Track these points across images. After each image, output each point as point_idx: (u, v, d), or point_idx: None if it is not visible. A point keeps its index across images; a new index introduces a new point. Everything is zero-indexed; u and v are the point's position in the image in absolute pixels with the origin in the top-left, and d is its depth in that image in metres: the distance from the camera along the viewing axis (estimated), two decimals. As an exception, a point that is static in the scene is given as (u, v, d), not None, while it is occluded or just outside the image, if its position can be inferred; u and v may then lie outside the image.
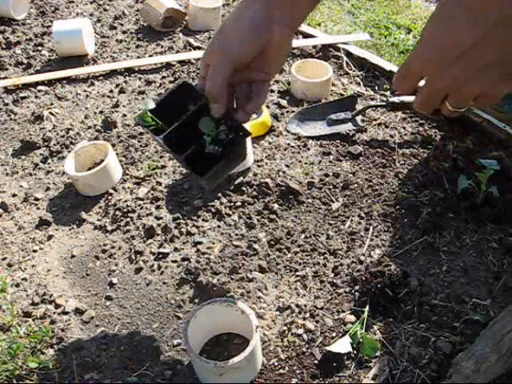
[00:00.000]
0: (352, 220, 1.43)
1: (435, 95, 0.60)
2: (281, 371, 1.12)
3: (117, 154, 1.66)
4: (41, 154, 1.74)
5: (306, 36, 2.17)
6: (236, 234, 1.41)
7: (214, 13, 2.28)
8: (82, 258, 1.40)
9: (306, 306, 1.23)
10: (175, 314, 1.25)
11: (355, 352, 1.13)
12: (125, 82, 2.04)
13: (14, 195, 1.60)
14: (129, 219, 1.47)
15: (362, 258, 1.33)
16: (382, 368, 1.10)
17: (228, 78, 0.79)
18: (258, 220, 1.44)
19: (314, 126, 1.75)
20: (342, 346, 1.12)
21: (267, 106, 1.84)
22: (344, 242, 1.37)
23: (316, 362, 1.13)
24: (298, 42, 2.09)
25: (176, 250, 1.39)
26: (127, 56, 2.19)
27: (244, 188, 1.52)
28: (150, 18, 2.29)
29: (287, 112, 1.83)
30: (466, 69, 0.55)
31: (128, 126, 1.81)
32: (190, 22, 2.31)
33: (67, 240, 1.45)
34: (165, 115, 0.92)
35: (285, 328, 1.19)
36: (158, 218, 1.47)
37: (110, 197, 1.55)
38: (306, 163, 1.62)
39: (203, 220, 1.46)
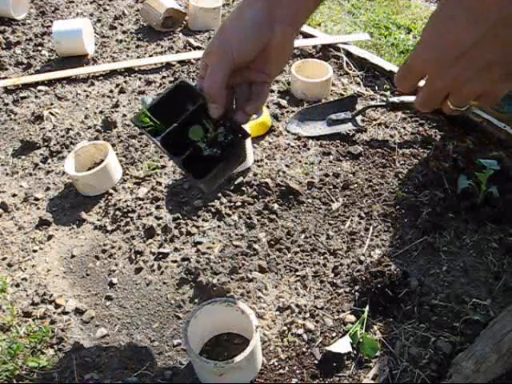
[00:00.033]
0: (352, 220, 1.43)
1: (436, 94, 0.60)
2: (281, 371, 1.12)
3: (117, 154, 1.66)
4: (41, 154, 1.74)
5: (306, 36, 2.17)
6: (236, 234, 1.41)
7: (214, 13, 2.28)
8: (81, 257, 1.40)
9: (305, 306, 1.23)
10: (175, 314, 1.25)
11: (355, 352, 1.13)
12: (125, 81, 2.04)
13: (14, 195, 1.60)
14: (129, 219, 1.48)
15: (362, 258, 1.33)
16: (381, 368, 1.10)
17: (227, 77, 0.78)
18: (257, 220, 1.44)
19: (314, 125, 1.75)
20: (342, 345, 1.12)
21: (267, 106, 1.84)
22: (344, 242, 1.37)
23: (316, 362, 1.13)
24: (297, 42, 2.09)
25: (176, 250, 1.39)
26: (127, 56, 2.19)
27: (244, 188, 1.52)
28: (150, 18, 2.29)
29: (287, 112, 1.83)
30: (466, 68, 0.55)
31: (128, 125, 1.81)
32: (190, 22, 2.31)
33: (67, 240, 1.45)
34: (162, 115, 0.89)
35: (285, 328, 1.19)
36: (157, 218, 1.47)
37: (109, 197, 1.55)
38: (306, 163, 1.62)
39: (203, 220, 1.46)
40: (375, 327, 1.17)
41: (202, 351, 1.16)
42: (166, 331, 1.21)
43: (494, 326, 1.08)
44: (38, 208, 1.56)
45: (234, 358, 1.00)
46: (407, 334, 1.14)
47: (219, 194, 1.51)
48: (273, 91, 1.93)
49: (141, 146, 1.72)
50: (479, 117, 1.62)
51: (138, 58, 2.17)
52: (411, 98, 1.67)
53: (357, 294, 1.24)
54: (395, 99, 1.69)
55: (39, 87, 2.02)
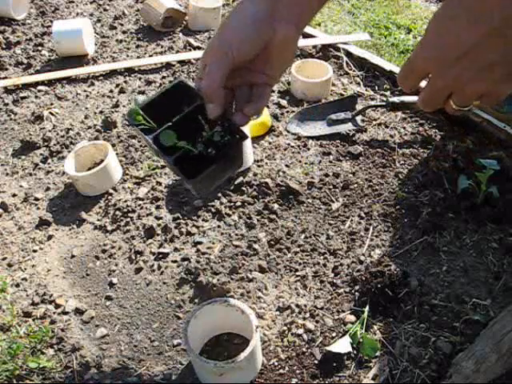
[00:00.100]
0: (352, 220, 1.43)
1: (438, 94, 0.60)
2: (281, 371, 1.12)
3: (117, 154, 1.66)
4: (41, 154, 1.74)
5: (306, 36, 2.17)
6: (236, 234, 1.41)
7: (214, 13, 2.28)
8: (81, 257, 1.40)
9: (305, 305, 1.23)
10: (175, 313, 1.25)
11: (355, 352, 1.13)
12: (125, 81, 2.04)
13: (14, 195, 1.60)
14: (129, 219, 1.48)
15: (362, 258, 1.33)
16: (381, 368, 1.10)
17: (226, 76, 0.74)
18: (258, 220, 1.44)
19: (314, 125, 1.75)
20: (342, 345, 1.12)
21: (267, 106, 1.84)
22: (344, 242, 1.37)
23: (316, 362, 1.13)
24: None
25: (176, 250, 1.39)
26: (127, 56, 2.19)
27: (244, 188, 1.52)
28: (150, 18, 2.29)
29: (287, 112, 1.83)
30: (467, 68, 0.54)
31: (128, 125, 1.81)
32: (190, 22, 2.31)
33: (67, 240, 1.45)
34: (158, 115, 0.85)
35: (285, 328, 1.19)
36: (158, 218, 1.47)
37: (110, 197, 1.55)
38: (306, 163, 1.62)
39: (203, 220, 1.46)
40: (375, 327, 1.17)
41: (202, 351, 1.16)
42: (166, 331, 1.21)
43: (493, 326, 1.08)
44: (38, 208, 1.56)
45: (234, 358, 1.00)
46: (407, 334, 1.14)
47: (219, 194, 1.51)
48: (273, 91, 1.93)
49: (141, 146, 1.72)
50: (479, 117, 1.62)
51: (138, 58, 2.17)
52: (411, 98, 1.67)
53: (357, 293, 1.24)
54: (395, 99, 1.69)
55: (39, 87, 2.02)
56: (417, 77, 0.60)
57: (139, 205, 1.51)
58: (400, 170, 1.56)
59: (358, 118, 1.75)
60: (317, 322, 1.20)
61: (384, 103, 1.72)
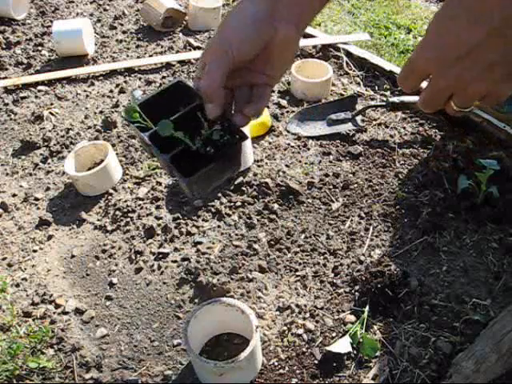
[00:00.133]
0: (352, 220, 1.43)
1: (439, 94, 0.60)
2: (281, 371, 1.12)
3: (117, 154, 1.66)
4: (41, 154, 1.74)
5: (306, 36, 2.17)
6: (236, 234, 1.41)
7: (214, 13, 2.28)
8: (81, 258, 1.40)
9: (305, 306, 1.23)
10: (175, 313, 1.25)
11: (355, 352, 1.13)
12: (125, 81, 2.04)
13: (14, 195, 1.60)
14: (129, 219, 1.48)
15: (362, 258, 1.33)
16: (382, 368, 1.10)
17: (226, 76, 0.73)
18: (258, 220, 1.44)
19: (314, 125, 1.75)
20: (342, 345, 1.12)
21: (267, 106, 1.84)
22: (344, 242, 1.37)
23: (316, 362, 1.13)
24: (298, 42, 2.09)
25: (176, 250, 1.39)
26: (127, 56, 2.19)
27: (244, 188, 1.52)
28: (150, 18, 2.29)
29: (287, 112, 1.83)
30: (469, 69, 0.54)
31: (128, 125, 1.81)
32: (190, 22, 2.31)
33: (67, 240, 1.45)
34: (155, 115, 0.83)
35: (285, 328, 1.19)
36: (158, 218, 1.47)
37: (110, 197, 1.55)
38: (306, 163, 1.62)
39: (203, 220, 1.46)
40: (375, 327, 1.17)
41: (202, 351, 1.16)
42: (166, 331, 1.21)
43: (493, 326, 1.08)
44: (38, 208, 1.56)
45: (234, 358, 1.00)
46: (407, 334, 1.14)
47: (219, 194, 1.51)
48: (273, 91, 1.93)
49: (141, 146, 1.72)
50: (479, 117, 1.62)
51: (138, 58, 2.17)
52: (411, 98, 1.67)
53: (357, 293, 1.24)
54: (395, 99, 1.69)
55: (39, 87, 2.02)
56: (417, 77, 0.60)
57: (139, 205, 1.51)
58: (400, 170, 1.56)
59: (358, 118, 1.75)
60: (317, 322, 1.20)
61: (384, 103, 1.72)
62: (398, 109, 1.73)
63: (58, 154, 1.73)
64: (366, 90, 1.93)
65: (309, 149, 1.67)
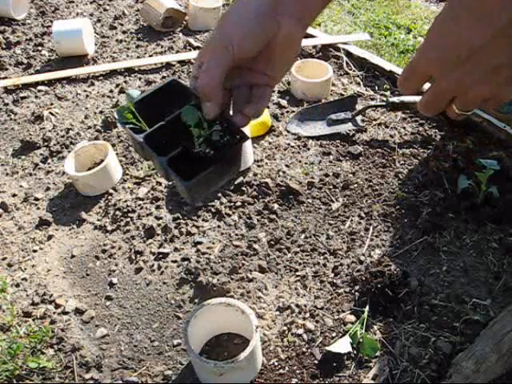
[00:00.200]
0: (352, 220, 1.43)
1: (441, 97, 0.58)
2: (281, 371, 1.12)
3: (117, 154, 1.66)
4: (41, 154, 1.74)
5: (306, 36, 2.17)
6: (236, 234, 1.41)
7: (214, 13, 2.28)
8: (82, 258, 1.40)
9: (305, 305, 1.23)
10: (175, 314, 1.25)
11: (355, 352, 1.13)
12: (125, 81, 2.04)
13: (14, 195, 1.60)
14: (129, 219, 1.47)
15: (362, 258, 1.33)
16: (382, 368, 1.10)
17: (225, 74, 0.70)
18: (258, 220, 1.44)
19: (314, 125, 1.75)
20: (342, 346, 1.12)
21: (267, 106, 1.84)
22: (344, 242, 1.37)
23: (316, 362, 1.13)
24: (298, 42, 2.09)
25: (176, 250, 1.39)
26: (127, 56, 2.19)
27: (244, 188, 1.52)
28: (150, 18, 2.29)
29: (287, 112, 1.83)
30: (472, 71, 0.53)
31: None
32: (190, 22, 2.31)
33: (67, 240, 1.45)
34: (148, 116, 0.79)
35: (285, 328, 1.19)
36: (158, 218, 1.47)
37: (110, 197, 1.55)
38: (306, 163, 1.62)
39: (203, 220, 1.46)
40: (375, 327, 1.17)
41: (202, 351, 1.16)
42: (166, 331, 1.21)
43: (494, 326, 1.08)
44: (38, 208, 1.56)
45: (234, 358, 1.00)
46: (407, 334, 1.14)
47: (219, 194, 1.51)
48: (273, 91, 1.93)
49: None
50: (479, 117, 1.63)
51: (138, 58, 2.17)
52: (411, 98, 1.67)
53: (357, 293, 1.24)
54: (395, 99, 1.69)
55: (39, 87, 2.02)
56: (419, 79, 0.59)
57: (139, 205, 1.51)
58: (400, 170, 1.56)
59: (358, 118, 1.75)
60: (317, 322, 1.20)
61: (384, 103, 1.72)
62: (398, 109, 1.73)
63: (58, 153, 1.73)
64: (366, 90, 1.93)
65: (309, 149, 1.67)
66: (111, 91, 1.99)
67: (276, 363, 1.13)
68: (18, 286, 1.34)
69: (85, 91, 2.00)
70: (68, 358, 1.17)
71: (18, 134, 1.82)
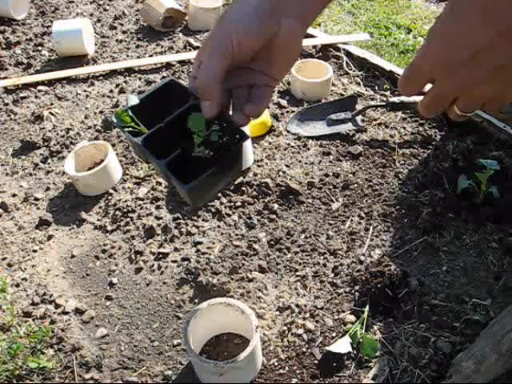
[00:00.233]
0: (352, 220, 1.43)
1: (443, 98, 0.58)
2: (281, 371, 1.12)
3: (117, 154, 1.66)
4: (41, 154, 1.74)
5: (306, 36, 2.17)
6: (236, 234, 1.41)
7: (214, 13, 2.28)
8: (82, 258, 1.40)
9: (305, 306, 1.23)
10: (175, 314, 1.25)
11: (355, 352, 1.13)
12: (125, 81, 2.04)
13: (14, 195, 1.60)
14: (129, 219, 1.47)
15: (362, 257, 1.33)
16: (382, 368, 1.10)
17: (225, 72, 0.69)
18: (258, 220, 1.44)
19: (314, 125, 1.75)
20: (342, 346, 1.12)
21: (267, 106, 1.84)
22: (344, 242, 1.37)
23: (316, 362, 1.13)
24: (298, 42, 2.09)
25: (176, 250, 1.39)
26: (127, 56, 2.19)
27: (244, 188, 1.52)
28: (150, 18, 2.28)
29: (287, 112, 1.83)
30: (475, 72, 0.53)
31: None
32: (190, 22, 2.31)
33: (67, 240, 1.45)
34: (146, 117, 0.78)
35: (285, 328, 1.19)
36: (158, 218, 1.47)
37: (109, 197, 1.55)
38: (306, 163, 1.61)
39: (203, 220, 1.46)
40: (375, 327, 1.17)
41: (202, 351, 1.16)
42: (166, 331, 1.21)
43: (494, 326, 1.08)
44: (38, 208, 1.56)
45: (234, 358, 1.00)
46: (407, 334, 1.14)
47: (219, 194, 1.51)
48: (273, 91, 1.92)
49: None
50: (479, 117, 1.63)
51: (138, 58, 2.17)
52: (411, 98, 1.67)
53: (357, 293, 1.24)
54: (395, 99, 1.69)
55: (39, 87, 2.02)
56: (421, 81, 0.58)
57: (139, 205, 1.51)
58: (400, 170, 1.56)
59: (358, 118, 1.75)
60: (317, 321, 1.20)
61: (384, 103, 1.72)
62: (397, 109, 1.73)
63: (58, 153, 1.73)
64: (366, 90, 1.93)
65: (309, 149, 1.67)
66: (111, 91, 1.99)
67: (276, 363, 1.13)
68: (18, 285, 1.34)
69: (85, 91, 2.00)
70: (68, 358, 1.17)
71: (18, 134, 1.82)
